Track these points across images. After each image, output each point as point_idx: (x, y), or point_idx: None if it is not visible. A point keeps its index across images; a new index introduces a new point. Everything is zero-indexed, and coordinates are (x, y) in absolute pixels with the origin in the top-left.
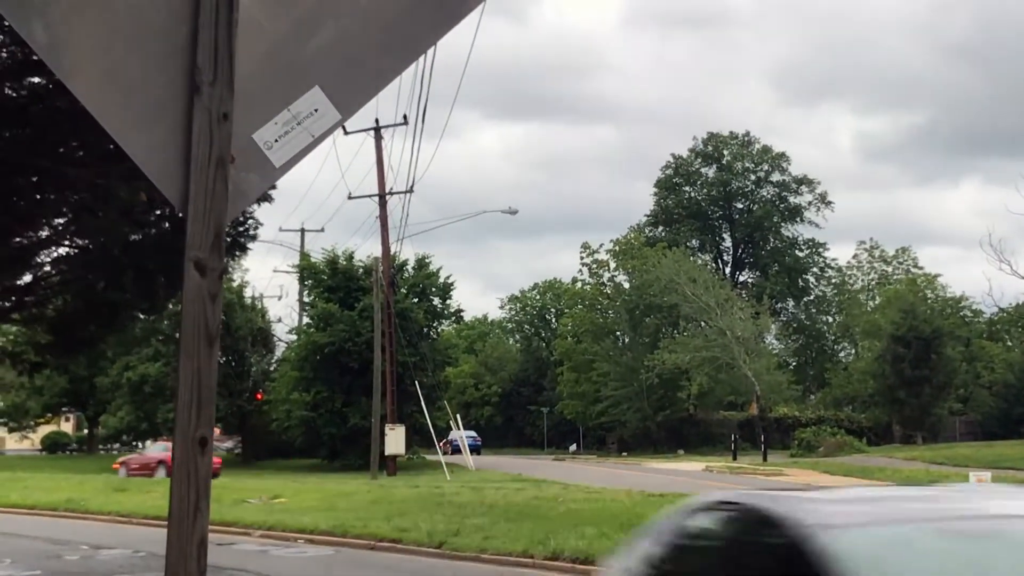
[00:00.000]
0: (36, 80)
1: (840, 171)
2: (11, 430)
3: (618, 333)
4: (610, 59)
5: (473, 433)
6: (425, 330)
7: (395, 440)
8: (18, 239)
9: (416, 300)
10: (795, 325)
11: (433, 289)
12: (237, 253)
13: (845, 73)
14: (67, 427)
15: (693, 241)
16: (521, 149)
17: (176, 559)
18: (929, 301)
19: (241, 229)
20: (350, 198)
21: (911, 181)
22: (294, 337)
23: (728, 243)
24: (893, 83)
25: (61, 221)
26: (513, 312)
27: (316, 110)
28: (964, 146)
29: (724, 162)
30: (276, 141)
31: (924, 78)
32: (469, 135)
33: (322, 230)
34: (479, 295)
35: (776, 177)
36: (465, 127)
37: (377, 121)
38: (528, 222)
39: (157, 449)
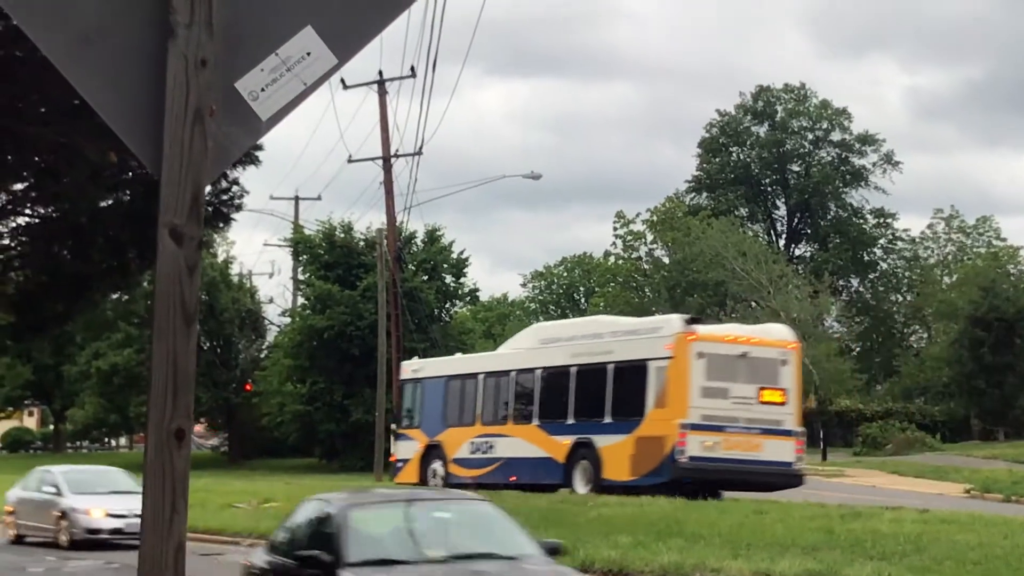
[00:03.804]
0: None
1: (891, 132)
2: None
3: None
4: (624, 6)
5: None
6: (436, 312)
7: None
8: None
9: (426, 278)
10: (859, 305)
11: (445, 265)
12: (220, 224)
13: (890, 21)
14: (31, 422)
15: (742, 209)
16: (529, 109)
17: (150, 567)
18: (1012, 278)
19: (224, 197)
20: (350, 161)
21: (973, 143)
22: (287, 320)
23: (782, 211)
24: (945, 32)
25: (21, 186)
26: (537, 291)
27: (309, 54)
28: None
29: (777, 119)
30: (263, 90)
31: (980, 25)
32: (470, 94)
33: (319, 198)
34: (489, 273)
35: (836, 136)
36: (465, 85)
37: (381, 73)
38: (541, 191)
39: None
